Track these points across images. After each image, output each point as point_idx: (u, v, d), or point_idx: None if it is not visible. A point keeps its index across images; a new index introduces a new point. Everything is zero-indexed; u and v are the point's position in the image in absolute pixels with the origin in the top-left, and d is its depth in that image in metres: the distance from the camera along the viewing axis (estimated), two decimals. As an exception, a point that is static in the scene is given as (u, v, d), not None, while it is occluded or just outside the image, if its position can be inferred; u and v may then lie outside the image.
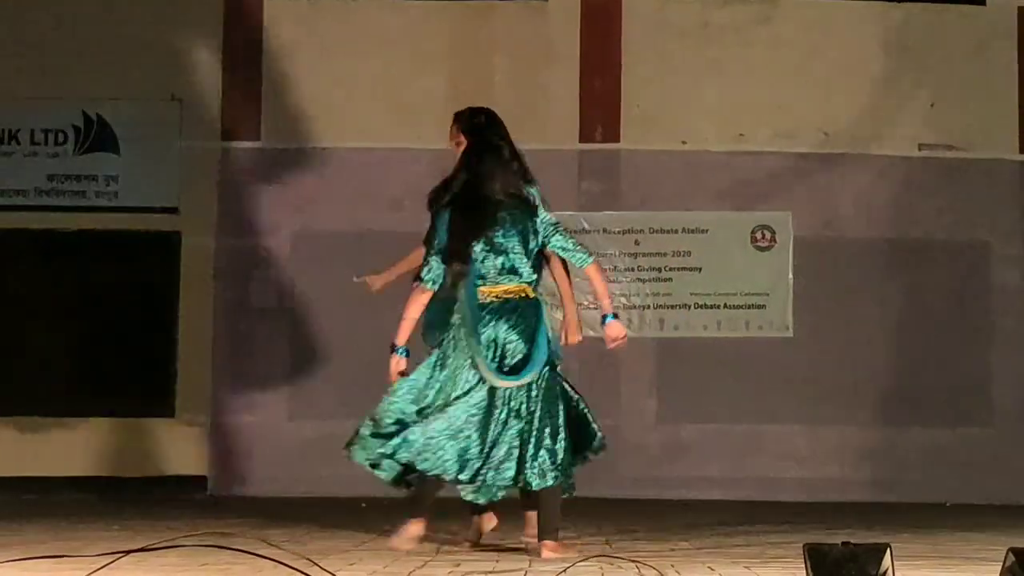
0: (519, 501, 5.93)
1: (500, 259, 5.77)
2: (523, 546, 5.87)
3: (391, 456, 5.80)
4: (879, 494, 9.78)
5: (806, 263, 10.26)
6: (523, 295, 5.78)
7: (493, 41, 10.44)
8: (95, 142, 10.40)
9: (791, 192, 10.33)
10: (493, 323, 5.75)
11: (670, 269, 10.29)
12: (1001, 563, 3.71)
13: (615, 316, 5.92)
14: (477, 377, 5.68)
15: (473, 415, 5.66)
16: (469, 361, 5.73)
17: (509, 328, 5.72)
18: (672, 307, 10.26)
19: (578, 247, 5.86)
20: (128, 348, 10.38)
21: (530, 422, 5.61)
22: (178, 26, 10.41)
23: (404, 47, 10.38)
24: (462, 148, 6.01)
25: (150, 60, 10.35)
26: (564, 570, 4.67)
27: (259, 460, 10.06)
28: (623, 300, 10.22)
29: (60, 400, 10.22)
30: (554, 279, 6.03)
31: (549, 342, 5.74)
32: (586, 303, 10.23)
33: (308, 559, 4.58)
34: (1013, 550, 3.66)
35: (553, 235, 5.82)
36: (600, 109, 10.28)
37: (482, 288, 5.79)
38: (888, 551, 3.63)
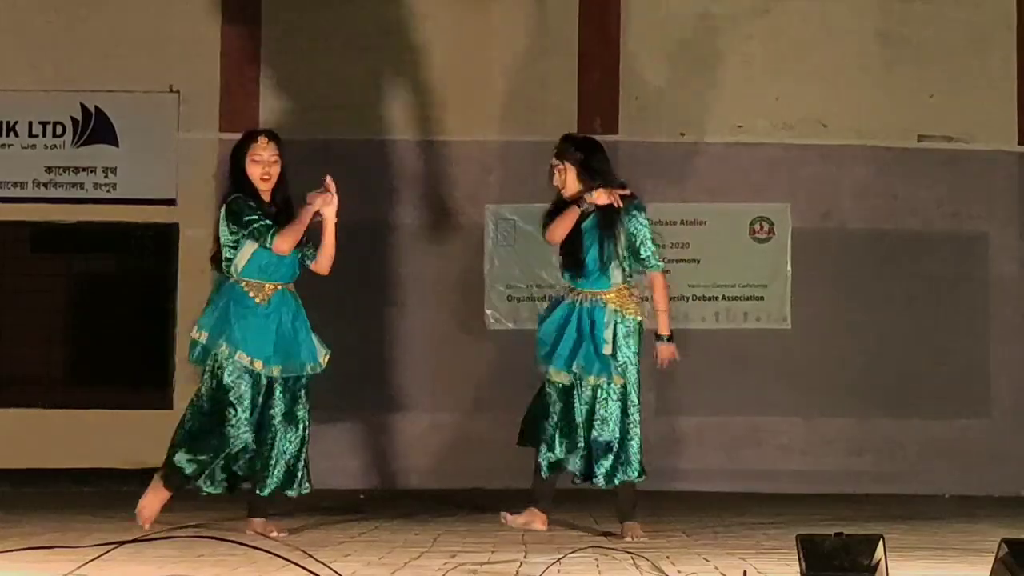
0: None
1: None
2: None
3: None
4: (877, 486, 9.77)
5: (804, 255, 10.25)
6: None
7: (491, 33, 10.43)
8: (93, 134, 10.38)
9: (790, 184, 10.32)
10: None
11: (668, 261, 10.16)
12: (995, 554, 3.71)
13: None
14: None
15: None
16: None
17: None
18: (670, 299, 10.19)
19: None
20: (126, 340, 10.37)
21: None
22: (176, 17, 10.39)
23: (401, 39, 10.36)
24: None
25: (148, 52, 10.33)
26: (558, 560, 4.68)
27: (257, 452, 10.04)
28: (621, 292, 10.19)
29: (57, 392, 10.22)
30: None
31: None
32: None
33: (303, 551, 4.58)
34: (1006, 540, 3.66)
35: None
36: (598, 101, 10.26)
37: None
38: (881, 542, 3.63)
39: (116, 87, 10.36)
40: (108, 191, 10.36)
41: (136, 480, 9.93)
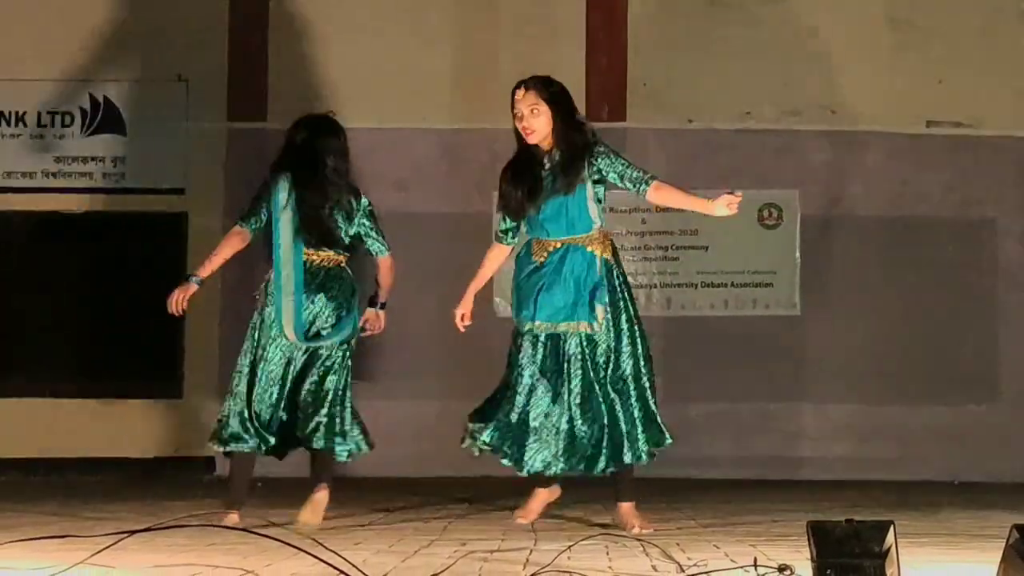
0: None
1: None
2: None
3: None
4: (886, 472, 9.77)
5: (813, 241, 10.25)
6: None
7: (498, 19, 10.42)
8: (102, 124, 10.39)
9: (798, 170, 10.31)
10: None
11: (677, 248, 10.28)
12: (1006, 540, 3.71)
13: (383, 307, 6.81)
14: None
15: None
16: None
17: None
18: (679, 286, 10.26)
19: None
20: (135, 330, 10.37)
21: None
22: (184, 6, 10.40)
23: (409, 26, 10.36)
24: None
25: (156, 41, 10.34)
26: (568, 547, 4.68)
27: (267, 440, 10.06)
28: (630, 279, 10.20)
29: (67, 382, 10.23)
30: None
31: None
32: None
33: (313, 539, 4.59)
34: (1018, 526, 3.65)
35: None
36: (606, 87, 10.25)
37: None
38: (892, 528, 3.63)
39: (124, 76, 10.36)
40: (117, 181, 10.38)
41: (145, 470, 10.01)
